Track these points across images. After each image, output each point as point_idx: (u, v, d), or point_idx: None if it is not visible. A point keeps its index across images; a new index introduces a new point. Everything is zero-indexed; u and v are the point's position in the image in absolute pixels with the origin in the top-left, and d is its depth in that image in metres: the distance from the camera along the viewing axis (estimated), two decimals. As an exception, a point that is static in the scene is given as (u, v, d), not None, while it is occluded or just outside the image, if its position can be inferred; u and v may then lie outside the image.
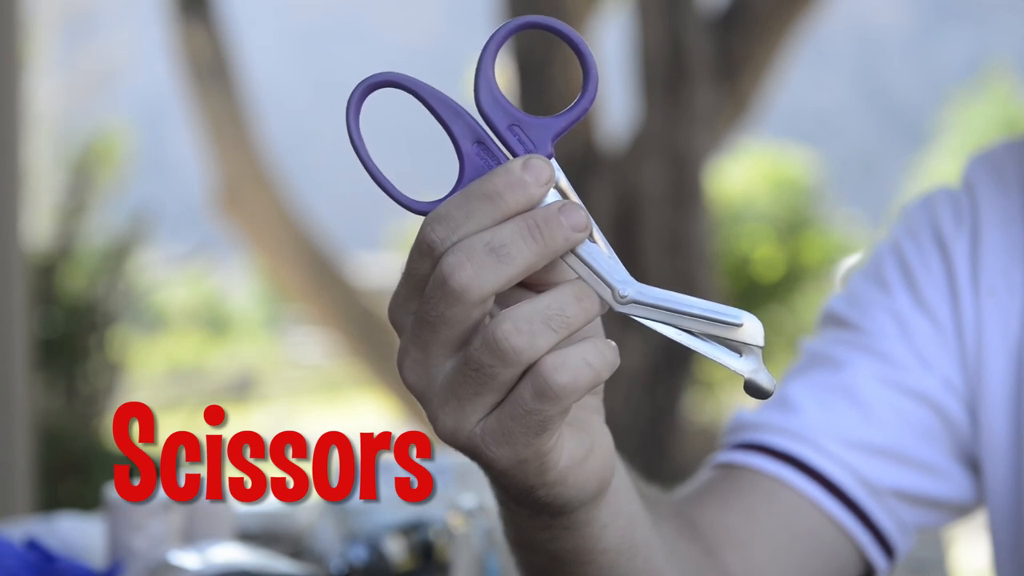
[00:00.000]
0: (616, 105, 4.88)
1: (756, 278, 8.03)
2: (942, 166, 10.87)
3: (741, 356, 0.65)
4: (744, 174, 8.46)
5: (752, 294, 7.76)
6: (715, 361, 0.65)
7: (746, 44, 4.58)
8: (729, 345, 0.65)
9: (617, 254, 0.65)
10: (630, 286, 0.65)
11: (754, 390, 0.65)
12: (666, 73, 4.32)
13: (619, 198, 4.33)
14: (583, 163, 4.31)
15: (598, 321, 0.67)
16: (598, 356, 0.63)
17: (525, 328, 0.61)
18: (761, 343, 0.65)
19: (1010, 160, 1.05)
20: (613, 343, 0.64)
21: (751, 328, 0.65)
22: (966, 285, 1.02)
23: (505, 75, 4.45)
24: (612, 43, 5.15)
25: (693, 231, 4.33)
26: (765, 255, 8.11)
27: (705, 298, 0.65)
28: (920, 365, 1.00)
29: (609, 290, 0.65)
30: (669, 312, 0.65)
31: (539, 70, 4.40)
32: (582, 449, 0.67)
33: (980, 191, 1.04)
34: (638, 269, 4.20)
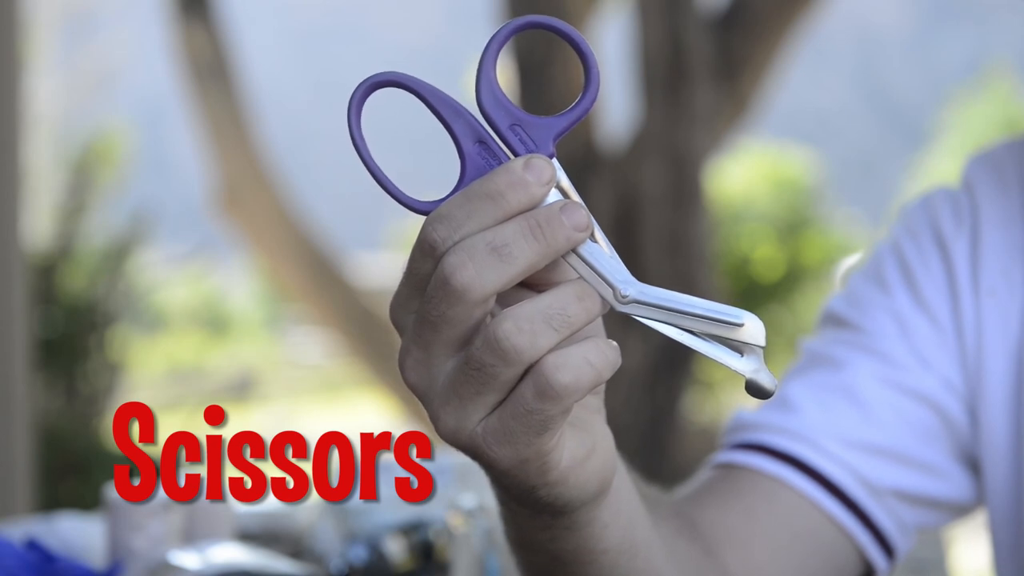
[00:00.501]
0: (616, 105, 4.88)
1: (756, 278, 8.03)
2: (942, 166, 10.87)
3: (742, 356, 0.65)
4: (744, 174, 8.46)
5: (752, 294, 7.76)
6: (716, 361, 0.65)
7: (746, 44, 4.58)
8: (730, 345, 0.65)
9: (617, 254, 0.65)
10: (631, 286, 0.65)
11: (755, 390, 0.65)
12: (666, 73, 4.33)
13: (619, 198, 4.33)
14: (583, 163, 4.32)
15: (599, 321, 0.67)
16: (600, 356, 0.62)
17: (526, 327, 0.61)
18: (762, 343, 0.65)
19: (1010, 160, 1.05)
20: (614, 343, 0.64)
21: (752, 328, 0.65)
22: (966, 285, 1.02)
23: (505, 75, 4.45)
24: (612, 43, 5.15)
25: (693, 231, 4.34)
26: (765, 255, 8.11)
27: (706, 298, 0.65)
28: (920, 365, 1.00)
29: (611, 290, 0.65)
30: (671, 312, 0.65)
31: (539, 70, 4.41)
32: (583, 449, 0.67)
33: (980, 191, 1.04)
34: (638, 269, 4.19)
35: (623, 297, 0.65)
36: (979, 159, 1.07)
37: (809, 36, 5.03)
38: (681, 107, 4.32)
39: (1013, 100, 11.52)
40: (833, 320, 1.05)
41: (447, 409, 0.64)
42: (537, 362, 0.62)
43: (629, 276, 0.65)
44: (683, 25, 4.31)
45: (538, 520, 0.71)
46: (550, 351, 0.62)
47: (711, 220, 4.63)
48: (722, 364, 0.65)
